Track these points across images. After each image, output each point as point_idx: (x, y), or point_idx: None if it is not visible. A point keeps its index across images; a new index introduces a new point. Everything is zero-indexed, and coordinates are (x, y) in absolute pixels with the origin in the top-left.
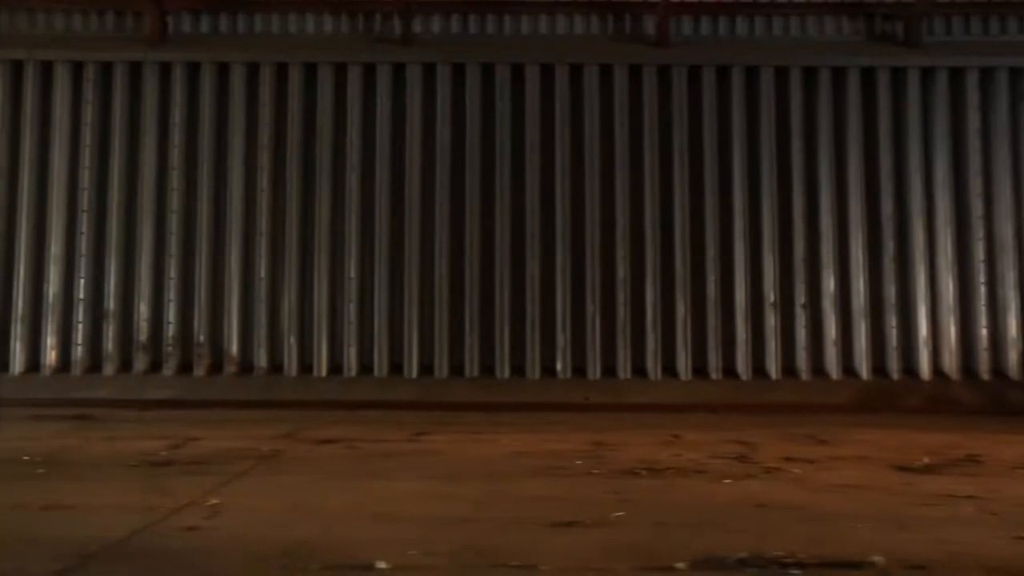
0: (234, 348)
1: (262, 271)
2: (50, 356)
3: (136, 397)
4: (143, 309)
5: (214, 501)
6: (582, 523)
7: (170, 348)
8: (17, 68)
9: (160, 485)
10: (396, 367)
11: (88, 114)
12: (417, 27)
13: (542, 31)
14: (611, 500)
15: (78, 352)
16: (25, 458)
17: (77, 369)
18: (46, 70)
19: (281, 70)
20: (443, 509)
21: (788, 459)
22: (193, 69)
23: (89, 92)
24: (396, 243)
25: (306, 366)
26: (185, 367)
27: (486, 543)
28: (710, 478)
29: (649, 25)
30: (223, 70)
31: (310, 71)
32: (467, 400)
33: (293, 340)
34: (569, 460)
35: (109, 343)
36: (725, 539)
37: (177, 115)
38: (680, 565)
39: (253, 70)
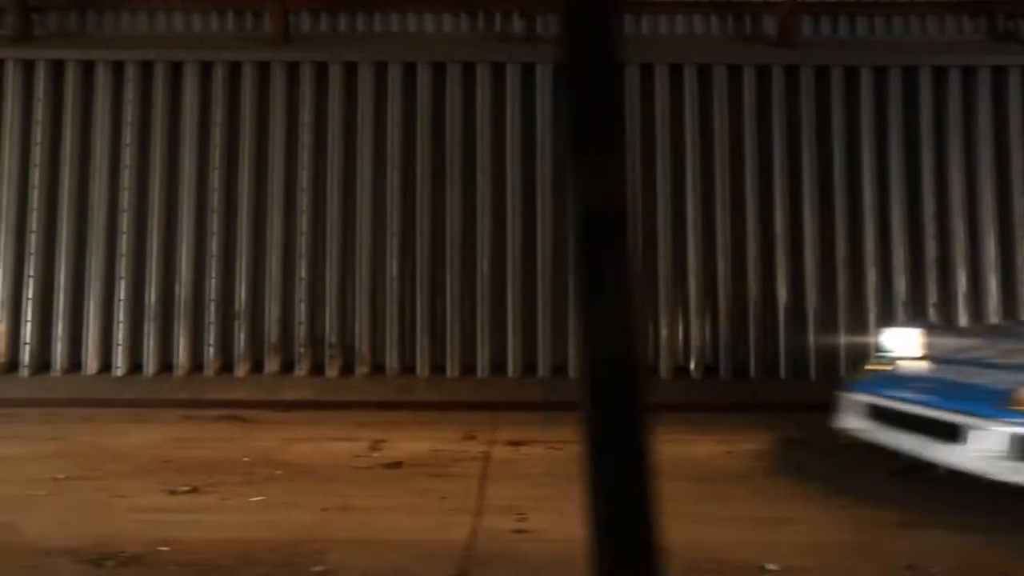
0: (365, 348)
1: (393, 270)
2: (182, 356)
3: (272, 398)
4: (273, 310)
5: (505, 503)
6: (916, 523)
7: (302, 349)
8: (147, 69)
9: (421, 488)
10: (528, 368)
11: (218, 113)
12: (537, 27)
13: (662, 31)
14: (910, 499)
15: (210, 353)
16: (245, 459)
17: (209, 370)
18: (175, 70)
19: (408, 69)
20: (744, 511)
21: None
22: (320, 69)
23: (219, 92)
24: (528, 243)
25: (437, 367)
26: (316, 368)
27: (837, 542)
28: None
29: (769, 25)
30: (351, 69)
31: (438, 70)
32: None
33: (426, 341)
34: (788, 459)
35: (241, 344)
36: None
37: (306, 114)
38: None
39: (381, 69)
